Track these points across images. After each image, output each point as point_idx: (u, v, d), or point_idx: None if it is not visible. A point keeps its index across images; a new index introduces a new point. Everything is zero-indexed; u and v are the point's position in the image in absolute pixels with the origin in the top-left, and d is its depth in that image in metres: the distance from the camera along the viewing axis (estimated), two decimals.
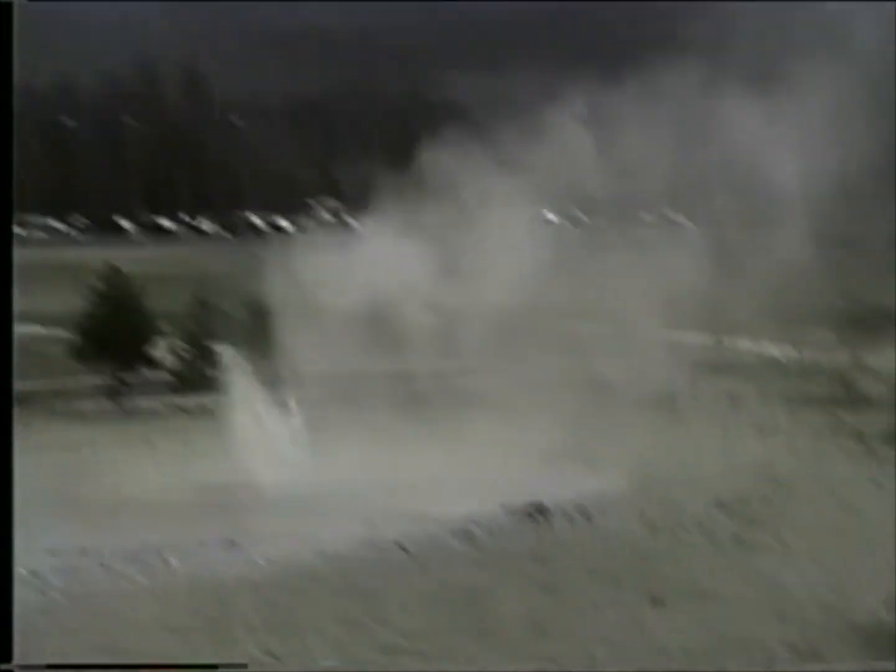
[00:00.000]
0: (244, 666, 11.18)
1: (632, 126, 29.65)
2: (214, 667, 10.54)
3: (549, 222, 40.13)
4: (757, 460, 26.30)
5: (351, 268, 36.07)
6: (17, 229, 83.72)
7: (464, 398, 35.34)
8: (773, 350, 42.37)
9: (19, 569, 19.67)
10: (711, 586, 16.31)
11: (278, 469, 25.35)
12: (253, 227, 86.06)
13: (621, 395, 32.09)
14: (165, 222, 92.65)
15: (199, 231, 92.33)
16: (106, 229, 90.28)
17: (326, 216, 79.57)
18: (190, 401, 36.28)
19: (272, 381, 28.23)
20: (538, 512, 22.87)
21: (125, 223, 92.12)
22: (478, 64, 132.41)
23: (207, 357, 35.54)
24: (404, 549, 20.44)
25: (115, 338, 43.69)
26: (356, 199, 31.74)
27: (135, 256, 64.89)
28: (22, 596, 18.14)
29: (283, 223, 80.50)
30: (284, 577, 18.69)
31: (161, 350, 43.32)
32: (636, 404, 31.30)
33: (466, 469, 26.64)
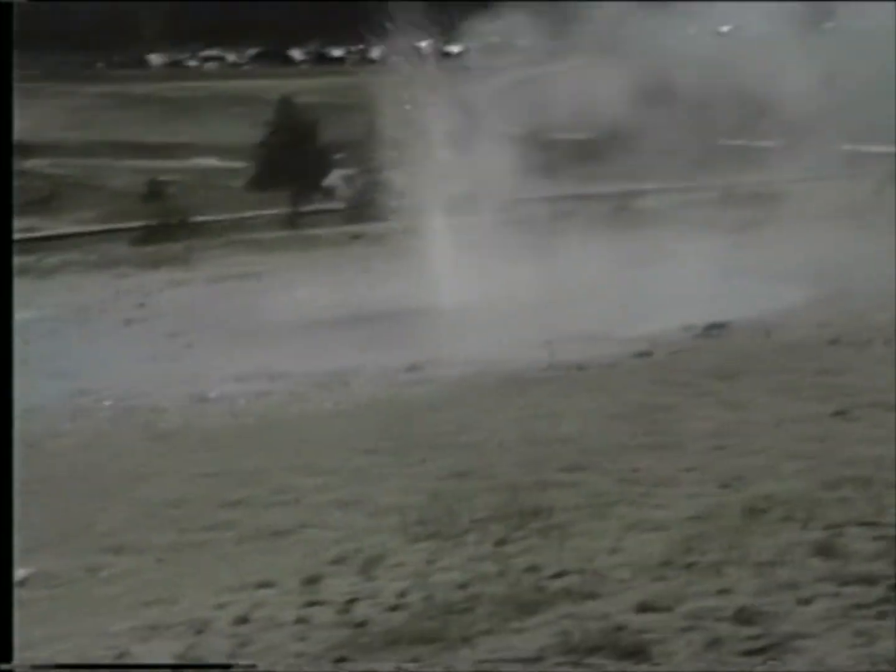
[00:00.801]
0: (253, 666, 11.62)
1: None
2: (228, 666, 10.88)
3: None
4: None
5: (519, 93, 35.77)
6: (191, 62, 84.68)
7: (642, 217, 35.20)
8: None
9: (211, 393, 20.41)
10: None
11: (457, 293, 25.60)
12: (419, 52, 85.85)
13: (801, 206, 31.56)
14: (335, 51, 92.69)
15: (366, 58, 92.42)
16: (276, 59, 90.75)
17: (493, 39, 78.78)
18: (366, 228, 36.69)
19: (447, 207, 28.37)
20: (718, 328, 22.78)
21: (296, 53, 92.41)
22: None
23: (381, 184, 35.78)
24: (584, 369, 20.57)
25: (290, 168, 44.16)
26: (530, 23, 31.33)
27: (307, 86, 65.15)
28: (217, 420, 18.85)
29: (451, 48, 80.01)
30: (466, 398, 19.00)
31: (335, 178, 43.76)
32: (818, 216, 30.75)
33: (646, 287, 26.59)
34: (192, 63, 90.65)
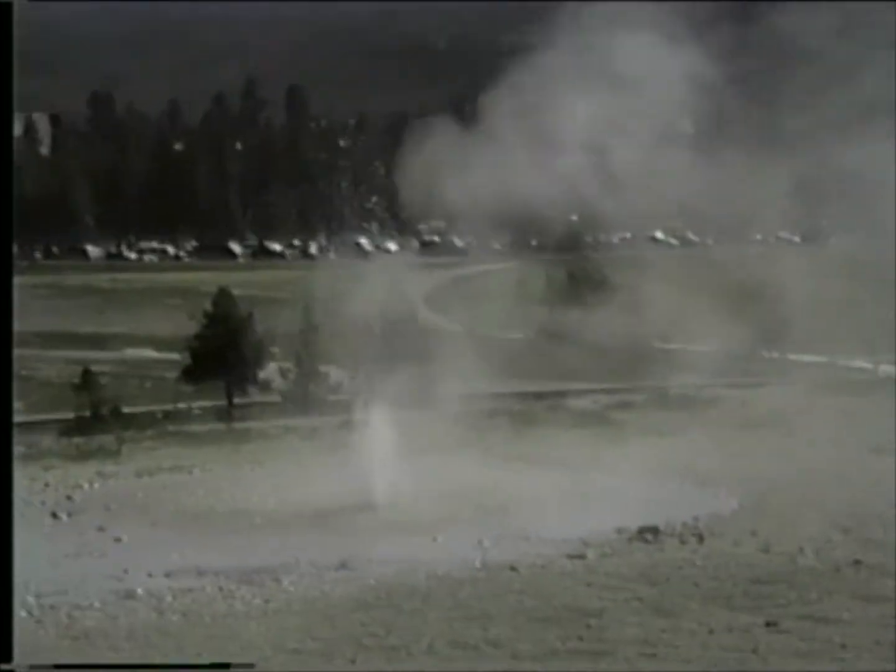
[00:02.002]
0: (251, 666, 11.21)
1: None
2: (226, 666, 10.63)
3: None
4: (873, 480, 26.07)
5: (456, 287, 36.24)
6: (128, 253, 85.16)
7: (575, 417, 35.49)
8: (890, 368, 41.90)
9: (138, 589, 20.16)
10: (828, 611, 16.22)
11: (389, 489, 25.62)
12: (358, 248, 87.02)
13: (731, 410, 31.98)
14: (274, 245, 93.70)
15: (305, 253, 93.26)
16: (216, 252, 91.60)
17: (431, 237, 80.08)
18: (301, 421, 36.74)
19: (380, 402, 28.53)
20: (650, 532, 22.89)
21: (235, 246, 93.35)
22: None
23: (316, 378, 35.98)
24: (515, 570, 20.56)
25: (225, 360, 44.36)
26: (460, 219, 31.92)
27: (245, 279, 65.78)
28: (143, 616, 18.60)
29: (389, 245, 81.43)
30: (396, 598, 18.90)
31: (270, 372, 43.92)
32: (748, 421, 31.19)
33: (577, 490, 26.73)
34: (131, 255, 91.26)
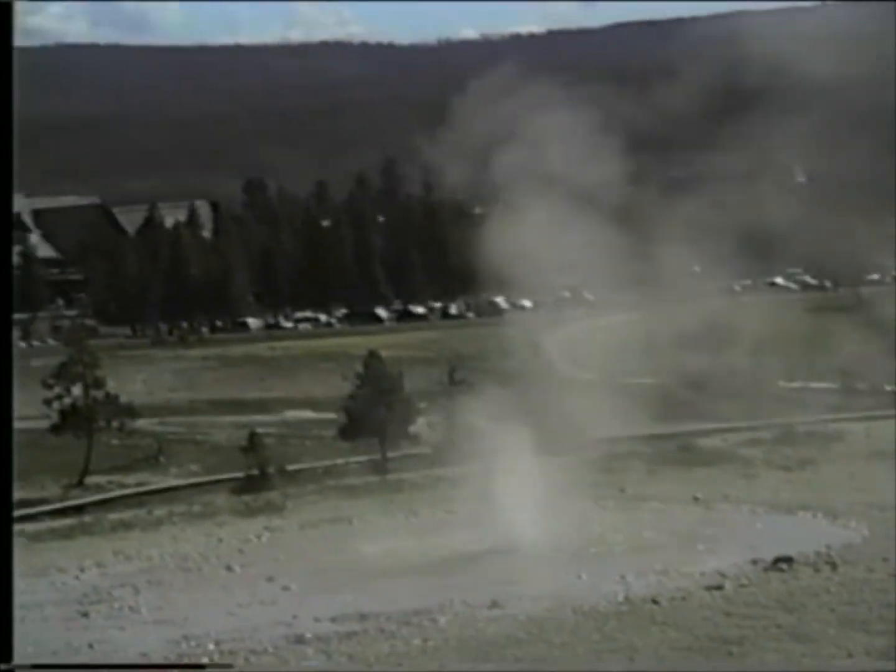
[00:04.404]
0: (230, 666, 11.10)
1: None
2: (202, 667, 10.48)
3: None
4: None
5: (589, 339, 36.09)
6: (284, 322, 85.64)
7: (706, 455, 35.05)
8: None
9: (307, 633, 20.28)
10: None
11: (533, 531, 25.50)
12: (494, 306, 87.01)
13: (856, 446, 31.34)
14: (417, 308, 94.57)
15: (445, 314, 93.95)
16: (364, 318, 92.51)
17: (564, 293, 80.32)
18: (449, 471, 36.78)
19: (522, 450, 28.48)
20: (785, 562, 22.48)
21: (381, 311, 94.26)
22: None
23: (462, 429, 35.95)
24: (657, 603, 20.32)
25: (378, 417, 44.68)
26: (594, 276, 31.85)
27: (392, 341, 66.27)
28: (313, 659, 18.69)
29: (524, 302, 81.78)
30: (545, 633, 18.79)
31: (420, 425, 44.11)
32: (872, 454, 30.52)
33: (711, 525, 26.38)
34: (287, 324, 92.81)
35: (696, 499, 28.91)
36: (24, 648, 20.37)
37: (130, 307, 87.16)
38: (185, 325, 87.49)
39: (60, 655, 20.13)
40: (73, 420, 45.09)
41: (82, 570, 27.24)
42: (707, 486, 29.91)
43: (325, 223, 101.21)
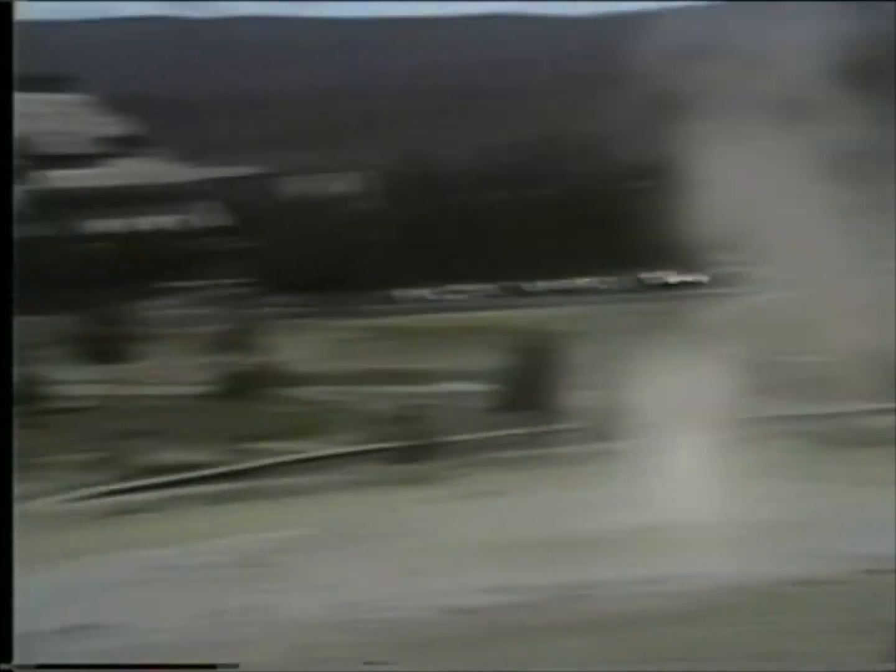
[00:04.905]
0: (235, 666, 10.94)
1: None
2: (213, 667, 10.35)
3: None
4: None
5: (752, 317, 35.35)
6: (439, 295, 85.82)
7: (871, 436, 34.12)
8: None
9: (462, 604, 20.23)
10: None
11: (693, 509, 25.06)
12: (640, 282, 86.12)
13: None
14: (568, 283, 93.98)
15: (597, 290, 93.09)
16: (514, 292, 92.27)
17: (728, 270, 79.08)
18: (604, 446, 36.40)
19: (680, 426, 28.03)
20: None
21: (531, 286, 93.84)
22: None
23: (618, 404, 35.52)
24: (818, 584, 19.80)
25: (534, 390, 44.49)
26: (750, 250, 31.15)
27: (544, 315, 65.96)
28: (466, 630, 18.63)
29: (685, 278, 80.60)
30: (705, 612, 18.42)
31: (575, 399, 43.75)
32: None
33: (876, 506, 25.62)
34: (444, 297, 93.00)
35: (863, 481, 28.16)
36: (187, 609, 20.74)
37: (293, 277, 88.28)
38: (346, 295, 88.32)
39: (219, 618, 20.38)
40: (233, 387, 45.79)
41: (239, 536, 27.60)
42: (876, 468, 29.06)
43: (484, 197, 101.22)
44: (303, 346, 61.64)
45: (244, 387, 46.07)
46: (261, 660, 17.07)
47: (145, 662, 10.88)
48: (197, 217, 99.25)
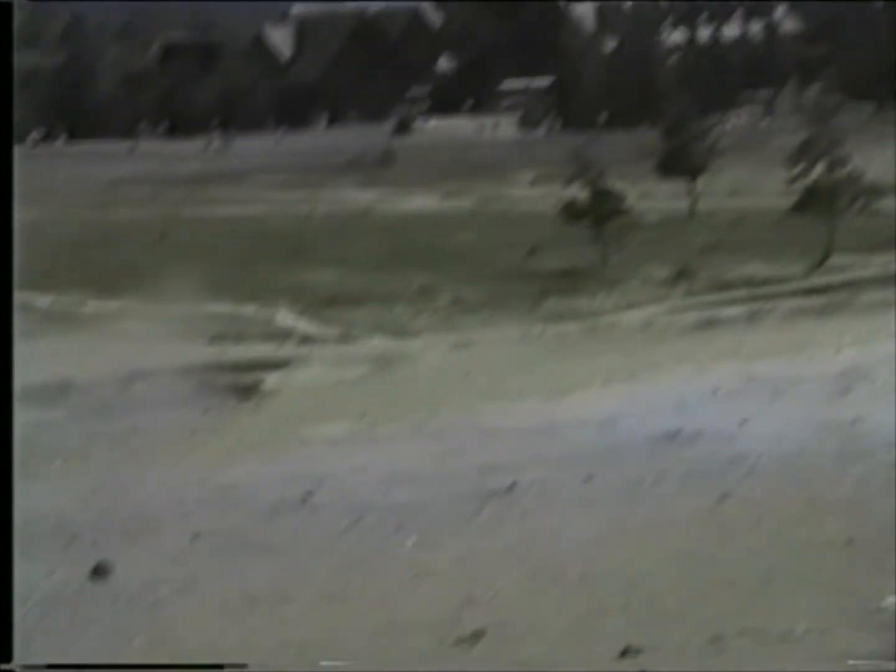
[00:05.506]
0: (244, 666, 10.50)
1: None
2: (220, 667, 10.08)
3: None
4: None
5: None
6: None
7: None
8: None
9: None
10: None
11: None
12: None
13: None
14: None
15: None
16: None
17: None
18: None
19: None
20: None
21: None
22: None
23: None
24: None
25: None
26: None
27: None
28: None
29: None
30: None
31: None
32: None
33: None
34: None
35: None
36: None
37: (876, 82, 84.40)
38: None
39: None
40: (815, 199, 44.89)
41: (839, 349, 27.59)
42: None
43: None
44: (887, 156, 58.95)
45: (826, 199, 44.94)
46: None
47: (157, 663, 11.45)
48: (774, 22, 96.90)
